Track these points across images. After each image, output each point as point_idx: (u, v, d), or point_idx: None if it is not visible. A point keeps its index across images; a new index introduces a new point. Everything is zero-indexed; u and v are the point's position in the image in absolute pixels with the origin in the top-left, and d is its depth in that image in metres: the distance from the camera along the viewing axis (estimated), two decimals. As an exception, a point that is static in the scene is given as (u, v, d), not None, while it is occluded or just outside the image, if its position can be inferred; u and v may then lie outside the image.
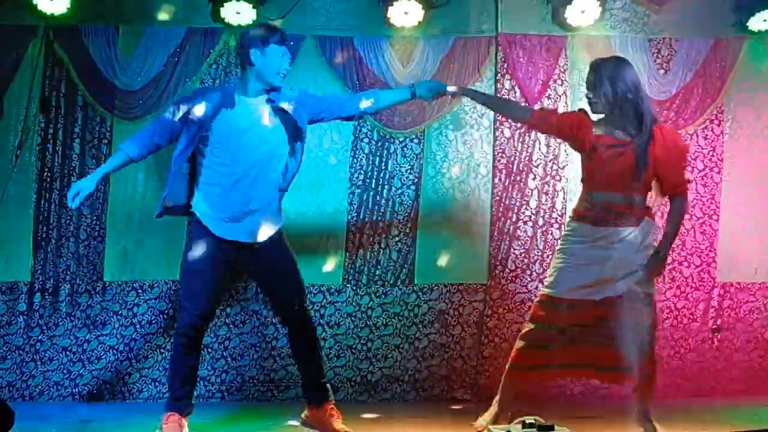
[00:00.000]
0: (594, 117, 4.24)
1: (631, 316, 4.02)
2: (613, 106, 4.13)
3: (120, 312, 5.59)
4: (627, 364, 4.08)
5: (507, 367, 4.32)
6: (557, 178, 5.80)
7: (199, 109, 4.11)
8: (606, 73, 4.16)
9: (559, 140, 5.46)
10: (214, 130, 4.13)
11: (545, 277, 4.40)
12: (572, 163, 5.79)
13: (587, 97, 4.25)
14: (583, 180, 4.29)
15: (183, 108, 4.14)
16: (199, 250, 4.12)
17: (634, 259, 4.10)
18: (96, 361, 5.54)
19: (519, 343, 4.29)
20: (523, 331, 4.31)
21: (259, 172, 4.17)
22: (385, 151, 5.78)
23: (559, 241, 4.36)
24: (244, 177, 4.14)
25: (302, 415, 4.46)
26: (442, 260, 5.74)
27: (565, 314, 4.14)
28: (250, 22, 5.51)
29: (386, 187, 5.76)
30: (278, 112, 4.22)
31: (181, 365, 4.27)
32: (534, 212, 5.78)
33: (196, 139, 4.12)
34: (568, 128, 4.21)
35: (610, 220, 4.11)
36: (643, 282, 4.09)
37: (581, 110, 4.29)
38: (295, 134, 4.25)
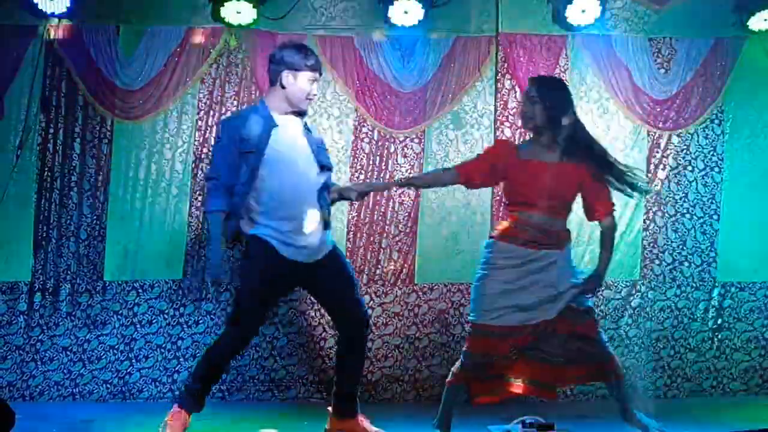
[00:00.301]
0: (519, 139, 4.21)
1: (574, 332, 3.90)
2: (547, 126, 3.97)
3: (120, 312, 5.60)
4: (574, 380, 4.08)
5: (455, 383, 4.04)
6: (557, 177, 5.79)
7: (251, 136, 4.06)
8: (546, 92, 3.99)
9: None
10: (266, 152, 4.06)
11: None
12: (572, 162, 5.80)
13: (523, 111, 4.04)
14: (511, 200, 4.09)
15: (236, 139, 4.06)
16: (265, 270, 4.05)
17: (564, 282, 3.94)
18: (96, 361, 5.55)
19: (461, 373, 4.00)
20: (463, 363, 3.98)
21: (306, 188, 4.13)
22: (386, 151, 5.78)
23: (483, 264, 4.03)
24: (295, 193, 4.09)
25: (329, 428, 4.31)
26: (443, 260, 5.74)
27: (502, 342, 3.92)
28: (251, 22, 5.52)
29: (387, 186, 5.75)
30: (306, 130, 4.24)
31: (218, 366, 4.15)
32: (534, 212, 5.78)
33: (252, 165, 4.05)
34: (495, 159, 4.06)
35: (540, 242, 3.94)
36: (579, 299, 3.95)
37: (499, 140, 4.31)
38: (318, 151, 4.23)
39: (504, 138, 5.60)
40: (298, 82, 4.13)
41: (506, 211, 4.16)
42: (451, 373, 4.01)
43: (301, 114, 4.24)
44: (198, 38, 5.67)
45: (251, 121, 4.10)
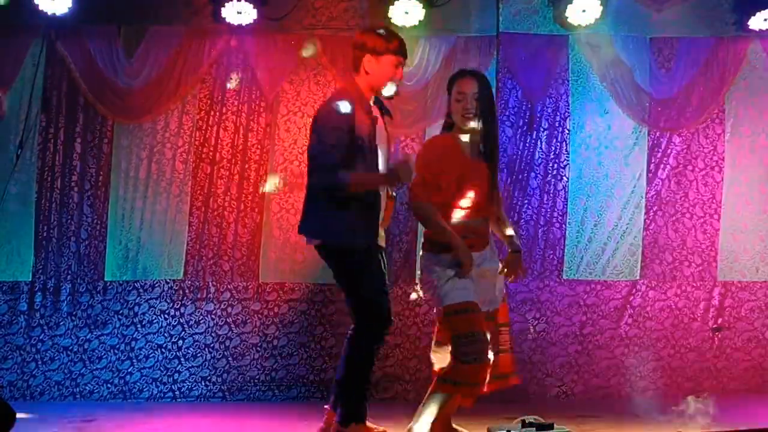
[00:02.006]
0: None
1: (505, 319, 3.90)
2: (482, 123, 3.79)
3: (121, 311, 5.60)
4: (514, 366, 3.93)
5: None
6: (558, 177, 5.80)
7: (359, 120, 3.89)
8: (488, 89, 3.86)
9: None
10: (363, 136, 3.92)
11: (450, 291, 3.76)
12: (574, 162, 5.80)
13: (466, 109, 3.76)
14: (449, 206, 3.78)
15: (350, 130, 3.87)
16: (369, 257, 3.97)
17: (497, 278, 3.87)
18: (97, 361, 5.55)
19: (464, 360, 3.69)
20: (463, 348, 3.67)
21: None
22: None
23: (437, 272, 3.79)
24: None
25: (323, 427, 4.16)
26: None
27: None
28: (251, 22, 5.52)
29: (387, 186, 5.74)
30: (384, 114, 4.12)
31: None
32: (535, 211, 5.79)
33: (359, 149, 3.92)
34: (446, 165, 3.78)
35: (480, 245, 3.82)
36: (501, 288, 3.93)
37: (444, 135, 3.91)
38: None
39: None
40: (381, 66, 3.93)
41: (451, 217, 3.81)
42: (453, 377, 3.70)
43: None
44: (199, 38, 5.67)
45: (353, 105, 3.89)
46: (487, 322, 3.74)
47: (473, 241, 3.77)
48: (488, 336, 3.71)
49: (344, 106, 3.88)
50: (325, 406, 4.19)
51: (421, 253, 3.90)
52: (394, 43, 3.96)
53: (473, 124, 3.76)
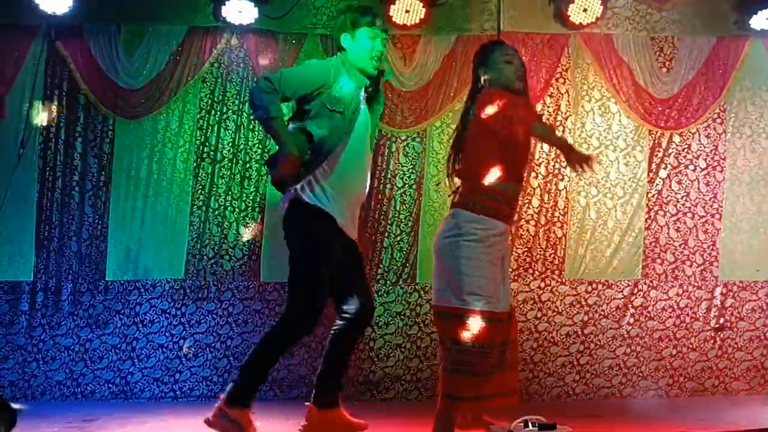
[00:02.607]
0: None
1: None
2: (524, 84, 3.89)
3: (122, 311, 5.60)
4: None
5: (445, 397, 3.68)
6: (559, 176, 5.80)
7: (343, 96, 3.88)
8: None
9: None
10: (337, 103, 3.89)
11: (476, 290, 3.62)
12: (574, 161, 5.79)
13: (520, 69, 3.82)
14: (488, 170, 3.67)
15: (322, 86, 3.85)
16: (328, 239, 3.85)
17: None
18: (98, 361, 5.55)
19: (458, 370, 3.63)
20: (459, 357, 3.61)
21: (364, 161, 4.01)
22: (387, 150, 5.78)
23: (472, 244, 3.63)
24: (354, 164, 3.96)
25: (305, 425, 4.13)
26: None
27: (502, 329, 3.66)
28: (252, 21, 5.52)
29: (388, 186, 5.76)
30: (366, 100, 4.07)
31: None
32: (536, 211, 5.78)
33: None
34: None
35: (511, 216, 3.79)
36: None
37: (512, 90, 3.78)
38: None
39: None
40: (357, 41, 3.93)
41: (487, 182, 3.69)
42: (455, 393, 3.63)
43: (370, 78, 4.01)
44: (199, 37, 5.67)
45: (342, 79, 3.89)
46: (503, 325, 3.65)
47: (505, 209, 3.71)
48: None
49: (324, 65, 3.92)
50: (306, 403, 4.16)
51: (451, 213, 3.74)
52: (368, 16, 3.95)
53: (521, 85, 3.79)
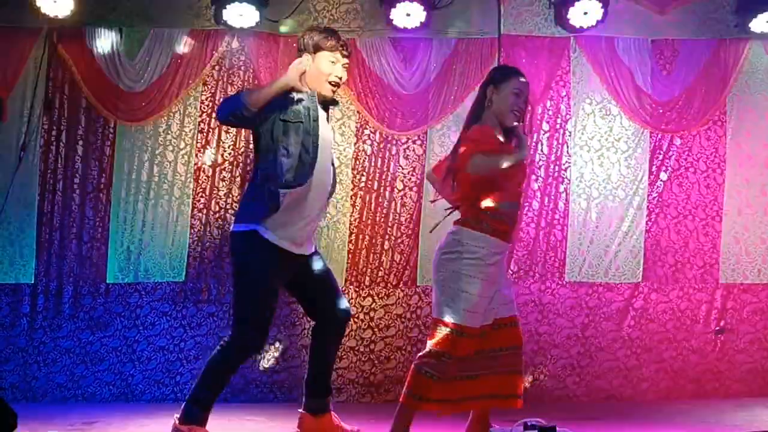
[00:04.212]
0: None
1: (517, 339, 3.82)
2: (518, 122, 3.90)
3: (123, 313, 5.61)
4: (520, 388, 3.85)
5: (406, 394, 3.78)
6: (559, 179, 5.80)
7: (299, 111, 3.87)
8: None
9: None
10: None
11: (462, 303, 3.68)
12: (574, 165, 5.80)
13: (520, 107, 3.82)
14: (484, 191, 3.73)
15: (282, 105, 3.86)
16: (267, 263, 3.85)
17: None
18: (99, 363, 5.56)
19: (425, 373, 3.73)
20: (428, 361, 3.71)
21: (322, 178, 3.95)
22: (388, 153, 5.79)
23: (472, 262, 3.68)
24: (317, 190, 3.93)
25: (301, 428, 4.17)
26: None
27: (476, 342, 3.73)
28: (253, 24, 5.53)
29: (388, 188, 5.76)
30: (329, 119, 4.10)
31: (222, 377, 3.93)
32: (536, 214, 5.79)
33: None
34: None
35: (510, 233, 3.82)
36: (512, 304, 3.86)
37: (475, 127, 3.82)
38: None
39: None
40: (317, 63, 3.92)
41: (484, 203, 3.74)
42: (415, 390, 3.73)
43: (326, 103, 4.02)
44: (200, 41, 5.68)
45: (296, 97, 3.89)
46: (477, 339, 3.69)
47: (506, 227, 3.76)
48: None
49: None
50: (299, 410, 4.17)
51: (453, 230, 3.77)
52: (331, 40, 3.94)
53: (516, 123, 3.79)
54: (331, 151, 4.12)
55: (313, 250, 4.08)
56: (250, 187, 3.99)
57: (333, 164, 4.13)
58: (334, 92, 4.01)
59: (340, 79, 3.99)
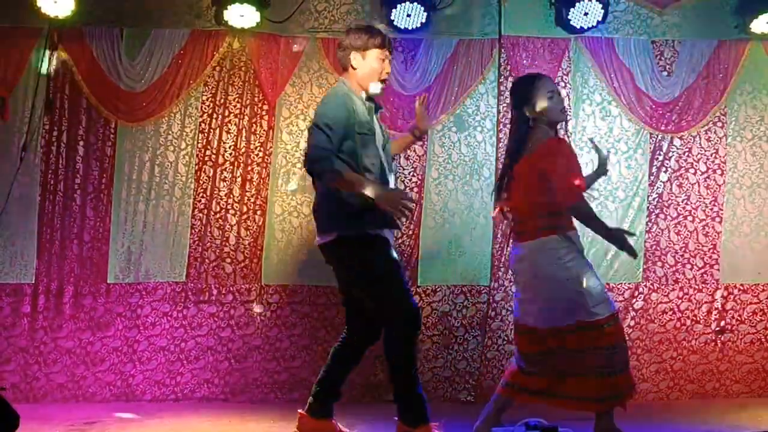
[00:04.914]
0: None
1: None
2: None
3: (124, 314, 5.61)
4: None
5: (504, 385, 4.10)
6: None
7: (362, 119, 4.01)
8: None
9: None
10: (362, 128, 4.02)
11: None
12: (575, 165, 5.80)
13: (563, 105, 4.18)
14: (568, 192, 3.93)
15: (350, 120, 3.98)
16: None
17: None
18: (100, 363, 5.56)
19: (521, 365, 4.08)
20: (527, 351, 4.06)
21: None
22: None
23: (575, 261, 3.96)
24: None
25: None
26: (445, 262, 5.75)
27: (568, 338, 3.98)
28: (254, 25, 5.53)
29: (389, 189, 5.76)
30: (377, 112, 4.19)
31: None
32: (537, 214, 5.78)
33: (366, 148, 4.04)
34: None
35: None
36: None
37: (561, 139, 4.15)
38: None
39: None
40: (367, 62, 4.04)
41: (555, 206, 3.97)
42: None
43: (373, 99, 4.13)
44: (201, 41, 5.68)
45: (357, 104, 4.01)
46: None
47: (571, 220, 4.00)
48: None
49: (342, 99, 3.95)
50: (299, 411, 4.17)
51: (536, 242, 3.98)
52: (378, 38, 4.02)
53: (565, 116, 4.15)
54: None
55: None
56: None
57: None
58: (382, 89, 4.12)
59: (388, 74, 4.12)
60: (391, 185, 4.08)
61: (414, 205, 4.00)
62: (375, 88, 4.08)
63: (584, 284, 3.90)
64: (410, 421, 3.96)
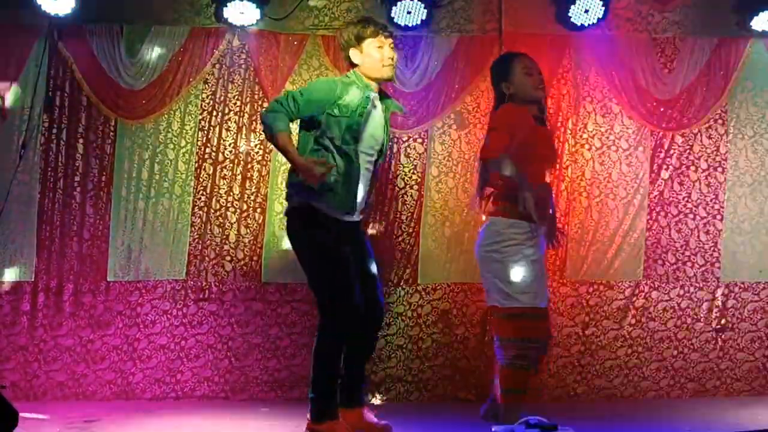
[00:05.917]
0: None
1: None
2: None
3: (124, 312, 5.60)
4: None
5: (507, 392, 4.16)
6: (560, 177, 5.79)
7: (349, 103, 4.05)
8: None
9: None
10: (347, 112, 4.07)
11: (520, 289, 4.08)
12: (575, 163, 5.80)
13: (540, 81, 4.30)
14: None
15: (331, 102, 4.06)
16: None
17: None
18: (100, 361, 5.55)
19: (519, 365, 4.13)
20: (514, 352, 4.10)
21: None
22: (389, 151, 5.77)
23: (514, 247, 4.06)
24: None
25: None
26: (446, 260, 5.74)
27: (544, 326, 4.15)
28: (254, 22, 5.52)
29: (389, 187, 5.75)
30: (384, 100, 4.26)
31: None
32: (537, 212, 5.78)
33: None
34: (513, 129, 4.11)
35: (544, 217, 4.17)
36: None
37: (518, 106, 4.20)
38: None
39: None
40: (366, 53, 4.10)
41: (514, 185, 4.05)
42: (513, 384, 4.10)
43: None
44: (201, 38, 5.67)
45: (352, 90, 4.07)
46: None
47: (538, 210, 3.98)
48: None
49: (331, 81, 4.13)
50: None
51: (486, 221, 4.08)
52: (368, 27, 4.09)
53: (542, 94, 4.19)
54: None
55: None
56: None
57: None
58: (393, 72, 4.16)
59: (392, 59, 4.13)
60: (362, 175, 4.08)
61: (327, 171, 3.87)
62: (384, 73, 4.12)
63: (508, 272, 3.99)
64: (320, 417, 3.98)
